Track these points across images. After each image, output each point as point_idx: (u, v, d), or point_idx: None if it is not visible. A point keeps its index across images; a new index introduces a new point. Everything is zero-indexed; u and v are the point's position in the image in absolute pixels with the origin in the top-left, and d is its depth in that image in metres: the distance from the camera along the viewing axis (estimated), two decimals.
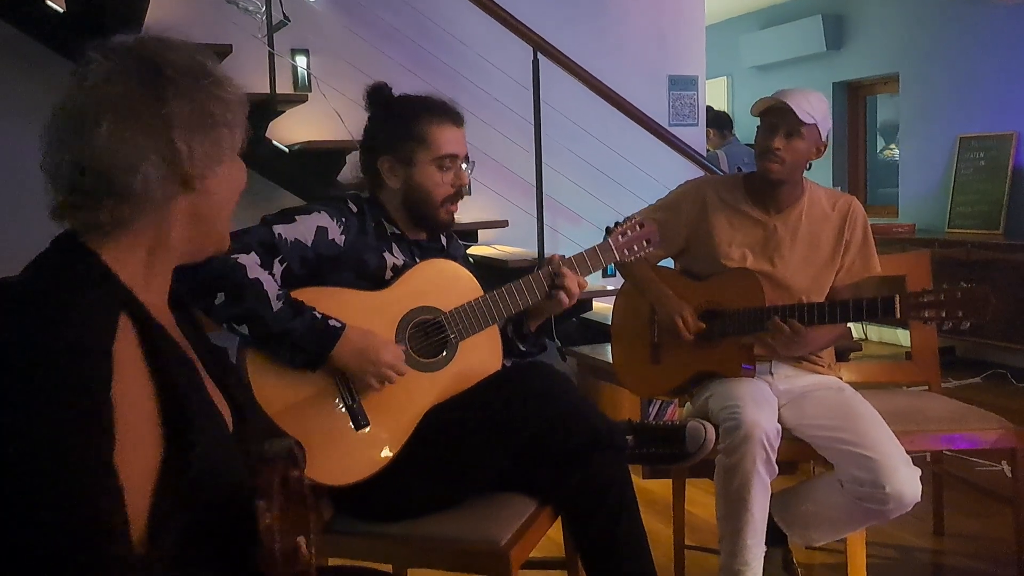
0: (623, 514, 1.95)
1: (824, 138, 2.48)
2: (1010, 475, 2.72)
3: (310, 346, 1.81)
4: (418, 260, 2.08)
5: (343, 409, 1.89)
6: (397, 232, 2.08)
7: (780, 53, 7.65)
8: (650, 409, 3.66)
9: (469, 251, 4.38)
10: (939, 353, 2.90)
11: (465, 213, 4.75)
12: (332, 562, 1.84)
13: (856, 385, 2.56)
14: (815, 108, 2.43)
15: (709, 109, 6.27)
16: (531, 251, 4.45)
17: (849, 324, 2.58)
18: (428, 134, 2.03)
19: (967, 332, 2.45)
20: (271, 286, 1.78)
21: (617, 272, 2.72)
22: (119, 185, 1.03)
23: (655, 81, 5.65)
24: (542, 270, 2.10)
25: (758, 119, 2.51)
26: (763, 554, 2.32)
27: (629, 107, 4.71)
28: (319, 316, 1.82)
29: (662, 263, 2.73)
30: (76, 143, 1.03)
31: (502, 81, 4.62)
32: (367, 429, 1.89)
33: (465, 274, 2.11)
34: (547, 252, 4.36)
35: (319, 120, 4.18)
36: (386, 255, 2.03)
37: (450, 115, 2.07)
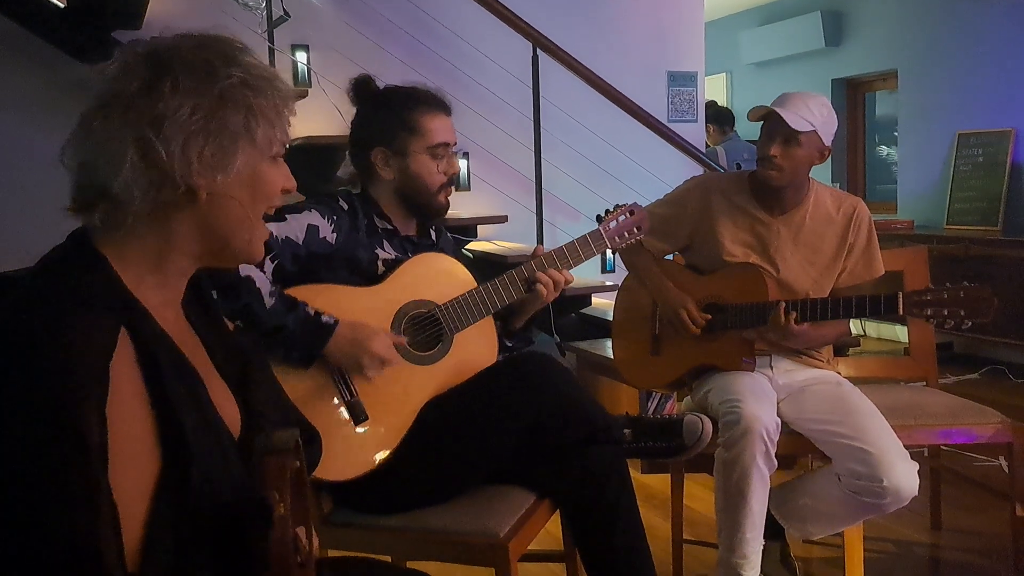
0: (621, 507, 1.95)
1: (828, 142, 2.46)
2: (1007, 470, 2.73)
3: (303, 342, 1.82)
4: (410, 255, 2.08)
5: (342, 405, 1.89)
6: (389, 228, 2.09)
7: (779, 49, 7.65)
8: (648, 404, 3.67)
9: (468, 246, 4.41)
10: (937, 349, 2.91)
11: (464, 208, 4.76)
12: (331, 554, 1.85)
13: (854, 380, 2.57)
14: (814, 113, 2.41)
15: (711, 105, 6.26)
16: (530, 246, 4.44)
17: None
18: (421, 124, 2.04)
19: (967, 329, 2.45)
20: (263, 283, 1.78)
21: (616, 267, 2.73)
22: (102, 185, 1.01)
23: (654, 77, 5.65)
24: (533, 260, 2.11)
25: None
26: (761, 548, 2.33)
27: (628, 103, 4.71)
28: (312, 312, 1.83)
29: (668, 257, 2.74)
30: (81, 139, 1.03)
31: (501, 77, 4.63)
32: (366, 424, 1.90)
33: (458, 267, 2.11)
34: (547, 247, 4.36)
35: (319, 115, 4.18)
36: (378, 251, 2.03)
37: (440, 104, 2.09)
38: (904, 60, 6.55)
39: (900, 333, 6.02)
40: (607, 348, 3.78)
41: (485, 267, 3.88)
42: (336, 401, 1.89)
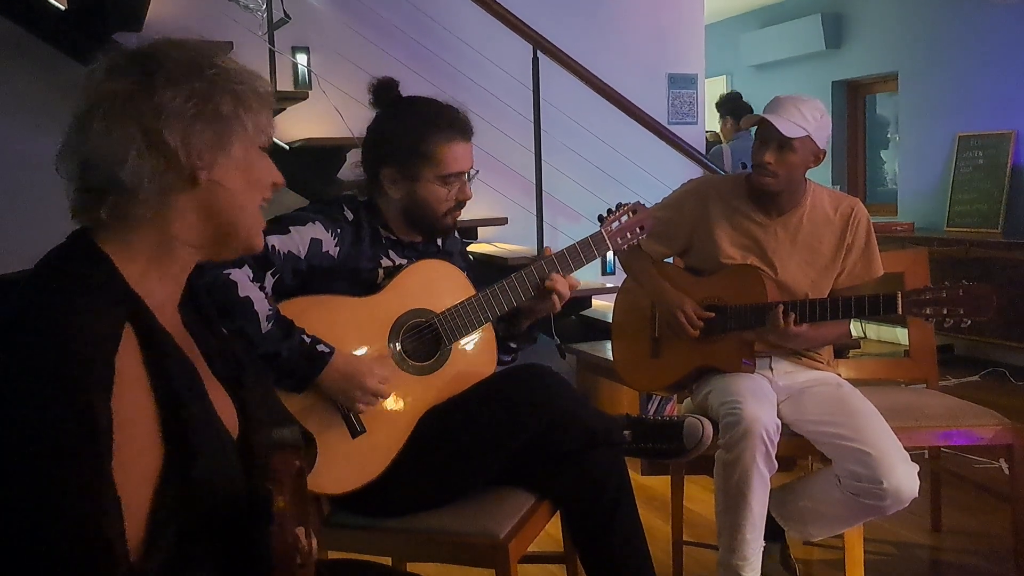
0: (620, 509, 1.95)
1: (822, 145, 2.46)
2: (1007, 472, 2.73)
3: (296, 370, 1.80)
4: (415, 261, 2.07)
5: (339, 417, 1.87)
6: (393, 239, 2.06)
7: (779, 52, 7.66)
8: (648, 406, 3.67)
9: (468, 248, 4.40)
10: (937, 351, 2.91)
11: (464, 210, 4.74)
12: (331, 555, 1.85)
13: (854, 382, 2.57)
14: (807, 118, 2.40)
15: (732, 98, 6.19)
16: (531, 248, 4.45)
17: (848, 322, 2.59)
18: (436, 152, 1.98)
19: (966, 330, 2.45)
20: (261, 305, 1.75)
21: (616, 269, 2.73)
22: (110, 178, 1.03)
23: (654, 79, 5.65)
24: (534, 265, 2.08)
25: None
26: (762, 549, 2.33)
27: (628, 105, 4.71)
28: (307, 340, 1.80)
29: (667, 260, 2.74)
30: (78, 141, 1.05)
31: (502, 79, 4.63)
32: (363, 437, 1.88)
33: (456, 273, 2.08)
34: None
35: (319, 117, 4.18)
36: (382, 259, 2.02)
37: (459, 129, 2.02)
38: (904, 62, 6.56)
39: (900, 335, 6.02)
40: (607, 350, 3.78)
41: (485, 269, 3.88)
42: (333, 413, 1.87)
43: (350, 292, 1.95)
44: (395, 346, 1.95)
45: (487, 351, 2.08)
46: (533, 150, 4.40)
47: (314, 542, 1.12)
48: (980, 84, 5.96)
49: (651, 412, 3.66)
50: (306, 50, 4.59)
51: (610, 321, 2.87)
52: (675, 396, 3.40)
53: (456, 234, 2.27)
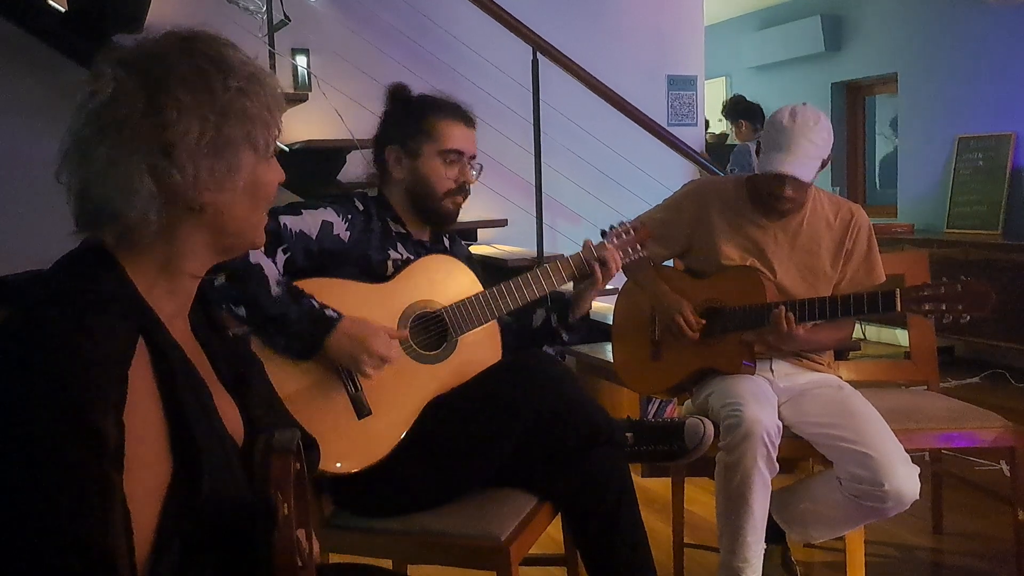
0: (623, 511, 1.95)
1: (829, 153, 2.46)
2: (1009, 474, 2.73)
3: (304, 333, 1.82)
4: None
5: (345, 398, 1.90)
6: (403, 232, 2.11)
7: (779, 53, 7.66)
8: (649, 408, 3.67)
9: (468, 250, 4.40)
10: (938, 353, 2.90)
11: (464, 212, 4.72)
12: (332, 558, 1.84)
13: (855, 384, 2.57)
14: (819, 145, 2.39)
15: (740, 100, 6.20)
16: (530, 250, 4.45)
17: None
18: (435, 127, 2.07)
19: (966, 331, 2.45)
20: (271, 271, 1.81)
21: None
22: (116, 211, 1.02)
23: (654, 81, 5.66)
24: (539, 269, 2.12)
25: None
26: (763, 551, 2.33)
27: (628, 107, 4.72)
28: (316, 305, 1.84)
29: (667, 263, 2.74)
30: (80, 167, 1.02)
31: (502, 80, 4.63)
32: (369, 418, 1.90)
33: (464, 270, 2.13)
34: (546, 251, 4.37)
35: (319, 119, 4.18)
36: (390, 252, 2.05)
37: (461, 114, 2.12)
38: (904, 64, 6.56)
39: (901, 337, 6.02)
40: (607, 352, 3.78)
41: (484, 271, 3.87)
42: (340, 394, 1.90)
43: (358, 279, 1.98)
44: (403, 333, 1.97)
45: (493, 345, 2.12)
46: (533, 152, 4.41)
47: (315, 544, 1.12)
48: (980, 86, 5.96)
49: (651, 415, 3.66)
50: (306, 52, 4.59)
51: (610, 323, 2.87)
52: (675, 399, 3.40)
53: (462, 242, 2.32)
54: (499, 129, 4.59)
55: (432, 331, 2.01)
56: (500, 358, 2.10)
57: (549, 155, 4.53)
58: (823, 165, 2.46)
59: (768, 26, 7.83)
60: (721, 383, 2.44)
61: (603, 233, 2.26)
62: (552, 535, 2.26)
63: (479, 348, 2.06)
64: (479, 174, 2.17)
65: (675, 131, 5.13)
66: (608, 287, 4.16)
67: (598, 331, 4.13)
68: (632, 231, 2.26)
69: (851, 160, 7.35)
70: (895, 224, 6.32)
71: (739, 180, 2.64)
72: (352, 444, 1.88)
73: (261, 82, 1.09)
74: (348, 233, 1.99)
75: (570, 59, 4.51)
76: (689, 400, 2.62)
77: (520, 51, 4.45)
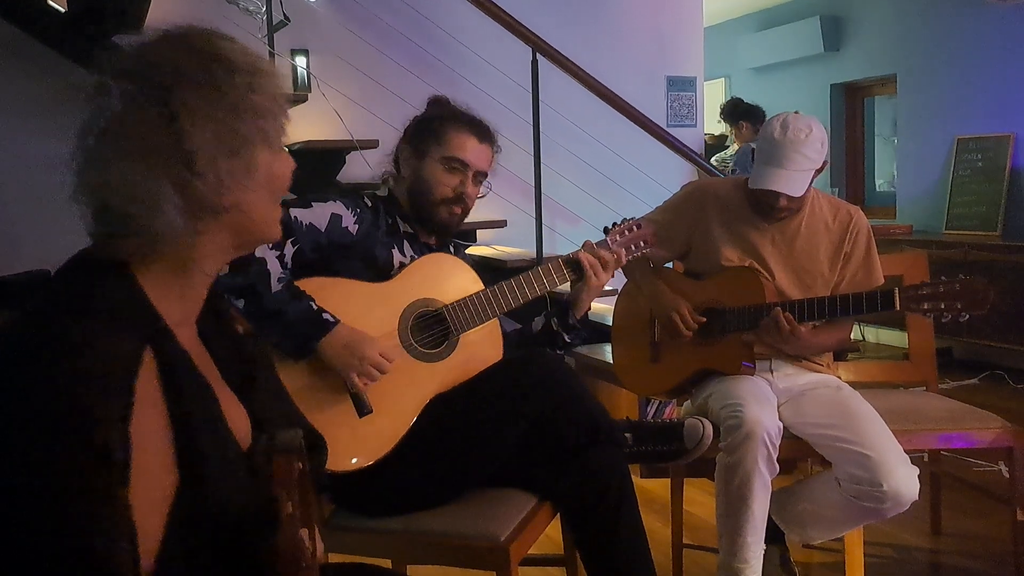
0: (622, 511, 1.95)
1: (823, 161, 2.45)
2: (1007, 475, 2.73)
3: (299, 331, 1.84)
4: None
5: (347, 396, 1.90)
6: (411, 232, 2.12)
7: (778, 55, 7.67)
8: (648, 409, 3.67)
9: (467, 251, 4.40)
10: (937, 354, 2.91)
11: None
12: (332, 558, 1.84)
13: (854, 384, 2.57)
14: (812, 158, 2.39)
15: (739, 102, 6.19)
16: (530, 251, 4.45)
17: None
18: (445, 133, 2.09)
19: (964, 332, 2.45)
20: (275, 266, 1.83)
21: (616, 273, 2.73)
22: (142, 227, 1.00)
23: (653, 82, 5.66)
24: (540, 267, 2.13)
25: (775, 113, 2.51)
26: (762, 552, 2.33)
27: (627, 108, 4.72)
28: (315, 307, 1.85)
29: (667, 265, 2.74)
30: (96, 182, 1.01)
31: (501, 81, 4.63)
32: (370, 416, 1.91)
33: (466, 269, 2.14)
34: (546, 252, 4.38)
35: (319, 120, 4.19)
36: (395, 251, 2.06)
37: (476, 128, 2.12)
38: (903, 65, 6.56)
39: (900, 339, 6.02)
40: (606, 353, 3.78)
41: (484, 272, 3.87)
42: (341, 392, 1.90)
43: (365, 275, 2.00)
44: (405, 332, 1.99)
45: (494, 344, 2.13)
46: (532, 153, 4.40)
47: (319, 544, 1.12)
48: (979, 87, 5.96)
49: (650, 416, 3.66)
50: (305, 52, 4.59)
51: (609, 324, 2.88)
52: (674, 400, 3.40)
53: (464, 251, 2.33)
54: (498, 130, 4.59)
55: (433, 329, 2.02)
56: (501, 356, 2.11)
57: (548, 156, 4.53)
58: (818, 172, 2.46)
59: (767, 27, 7.84)
60: (721, 384, 2.45)
61: (605, 230, 2.26)
62: (551, 535, 2.26)
63: (480, 346, 2.07)
64: (485, 193, 2.18)
65: (674, 132, 5.13)
66: (608, 288, 4.18)
67: (598, 332, 4.14)
68: (635, 227, 2.25)
69: (850, 161, 7.35)
70: (894, 225, 6.33)
71: (737, 182, 2.64)
72: (353, 441, 1.89)
73: (265, 72, 1.08)
74: (357, 227, 2.01)
75: (570, 60, 4.51)
76: (688, 401, 2.62)
77: (520, 52, 4.45)
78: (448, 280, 2.08)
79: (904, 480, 2.18)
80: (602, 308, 4.39)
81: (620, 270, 2.69)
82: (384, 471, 1.89)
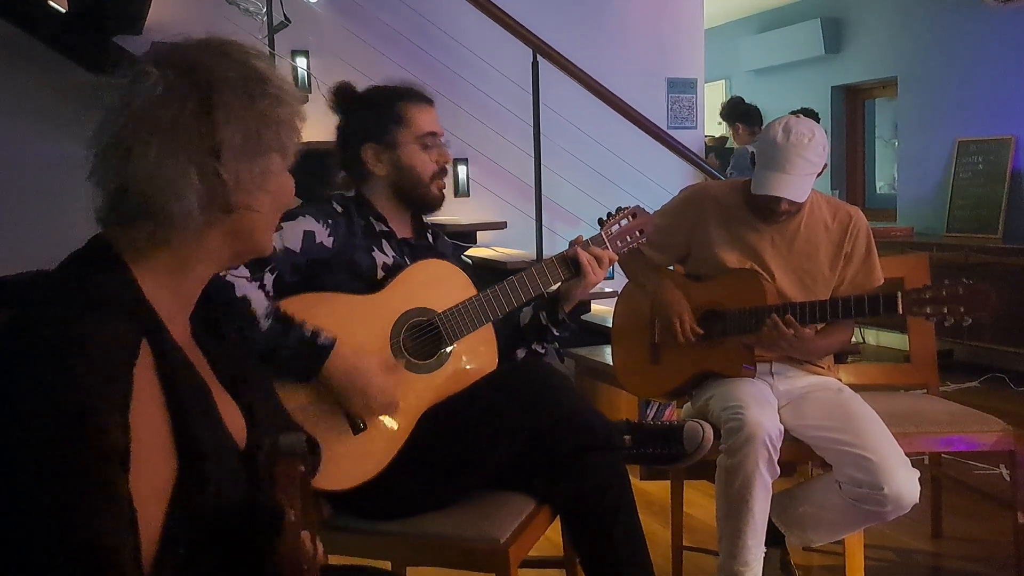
0: (621, 514, 1.94)
1: (823, 166, 2.45)
2: (1008, 478, 2.72)
3: (299, 366, 1.80)
4: (407, 259, 2.07)
5: (340, 413, 1.87)
6: (386, 230, 2.08)
7: (778, 57, 7.67)
8: (648, 411, 3.67)
9: (467, 252, 4.40)
10: (937, 356, 2.90)
11: (464, 214, 4.76)
12: (332, 559, 1.84)
13: (855, 387, 2.56)
14: (813, 162, 2.38)
15: (738, 103, 6.19)
16: (530, 253, 4.45)
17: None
18: (408, 115, 2.07)
19: (965, 335, 2.45)
20: (260, 304, 1.75)
21: (616, 274, 2.73)
22: (160, 210, 1.03)
23: (654, 84, 5.66)
24: (535, 267, 2.08)
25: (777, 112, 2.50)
26: (763, 555, 2.32)
27: (628, 109, 4.72)
28: (307, 335, 1.79)
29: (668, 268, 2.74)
30: (123, 166, 1.03)
31: (502, 83, 4.63)
32: (364, 433, 1.88)
33: (458, 273, 2.10)
34: (546, 254, 4.37)
35: (319, 121, 4.14)
36: (375, 254, 2.02)
37: (423, 97, 2.12)
38: (904, 67, 6.56)
39: (900, 341, 6.02)
40: (606, 354, 3.78)
41: (484, 273, 3.88)
42: (334, 409, 1.87)
43: (351, 286, 1.95)
44: (397, 344, 1.95)
45: (488, 351, 2.09)
46: (532, 154, 4.40)
47: (320, 547, 1.12)
48: (980, 89, 5.96)
49: (650, 417, 3.66)
50: (305, 53, 4.59)
51: (609, 326, 2.87)
52: (674, 402, 3.40)
53: (446, 237, 2.29)
54: (499, 131, 4.61)
55: (426, 339, 1.98)
56: (496, 364, 2.08)
57: (549, 157, 4.53)
58: (818, 175, 2.46)
59: (768, 29, 7.84)
60: (721, 386, 2.44)
61: (600, 222, 2.20)
62: (551, 538, 2.26)
63: (474, 355, 2.04)
64: (445, 145, 2.16)
65: (675, 134, 5.13)
66: (608, 290, 4.18)
67: (598, 334, 4.14)
68: (631, 217, 2.19)
69: (850, 163, 7.35)
70: (894, 228, 6.32)
71: (736, 184, 2.64)
72: (347, 459, 1.86)
73: (289, 92, 1.14)
74: (331, 239, 1.96)
75: (570, 61, 4.51)
76: (688, 403, 2.62)
77: (520, 53, 4.45)
78: (440, 287, 2.03)
79: (905, 483, 2.17)
80: (602, 309, 4.39)
81: (620, 267, 2.69)
82: (380, 482, 1.87)
